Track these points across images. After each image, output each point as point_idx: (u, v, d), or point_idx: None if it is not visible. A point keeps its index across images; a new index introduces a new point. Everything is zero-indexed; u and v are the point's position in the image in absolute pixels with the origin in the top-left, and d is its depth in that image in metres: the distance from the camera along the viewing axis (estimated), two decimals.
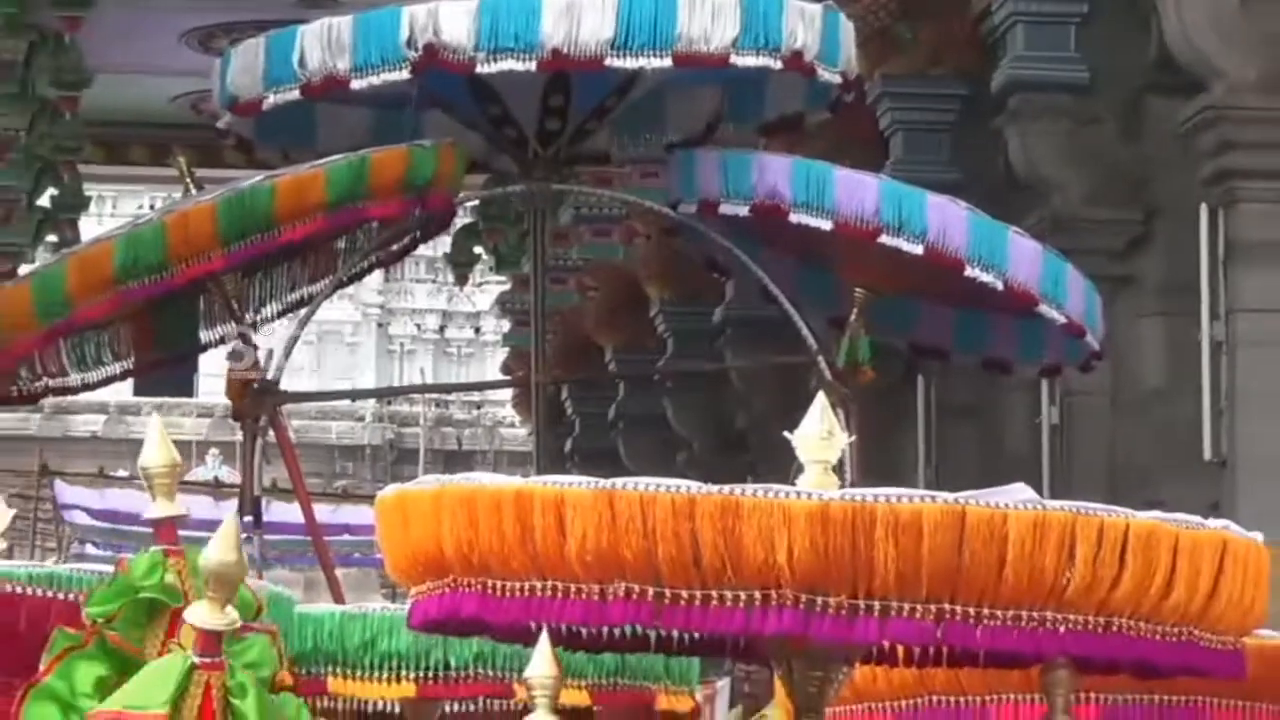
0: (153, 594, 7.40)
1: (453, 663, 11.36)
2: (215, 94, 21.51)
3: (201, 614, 6.96)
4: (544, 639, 8.01)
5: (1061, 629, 8.55)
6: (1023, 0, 26.10)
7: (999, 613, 8.40)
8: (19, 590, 9.40)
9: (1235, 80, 22.96)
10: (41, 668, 7.58)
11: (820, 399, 8.49)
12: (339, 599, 14.59)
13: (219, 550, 6.78)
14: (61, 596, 9.07)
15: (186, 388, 31.39)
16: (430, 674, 11.75)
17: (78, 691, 7.39)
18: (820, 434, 8.34)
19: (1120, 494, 8.77)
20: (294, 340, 22.47)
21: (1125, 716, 10.62)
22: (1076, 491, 9.17)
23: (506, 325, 44.12)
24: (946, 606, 8.32)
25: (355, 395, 48.03)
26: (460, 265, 34.28)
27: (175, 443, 28.98)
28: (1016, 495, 8.95)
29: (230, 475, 33.37)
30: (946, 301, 21.17)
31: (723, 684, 19.52)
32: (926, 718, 11.51)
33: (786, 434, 8.38)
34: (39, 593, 9.20)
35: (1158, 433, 22.99)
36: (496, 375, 45.91)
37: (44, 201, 35.09)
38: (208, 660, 6.84)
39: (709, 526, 8.01)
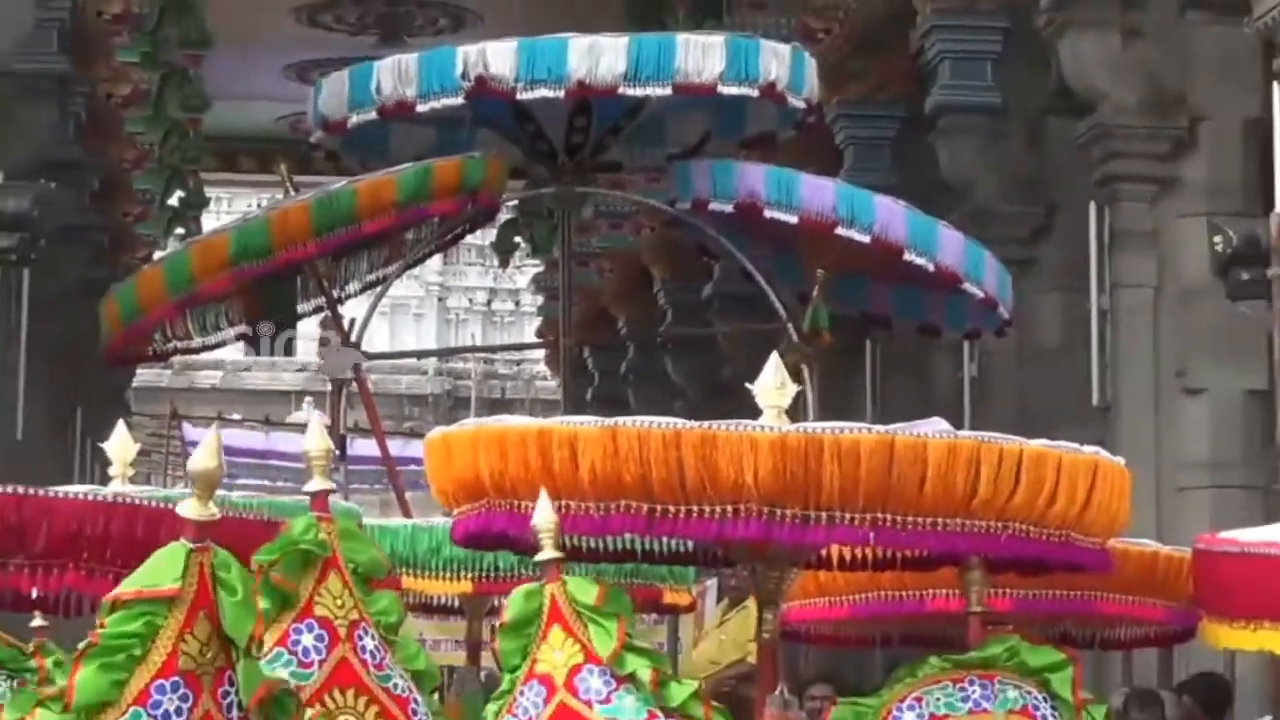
0: (308, 547, 7.47)
1: (500, 566, 11.41)
2: (309, 116, 21.64)
3: (190, 508, 7.03)
4: (543, 498, 8.15)
5: (970, 533, 8.69)
6: (948, 40, 26.17)
7: (921, 520, 8.59)
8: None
9: (1118, 104, 23.00)
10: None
11: (774, 358, 8.79)
12: (408, 516, 14.61)
13: (202, 458, 6.80)
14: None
15: (287, 348, 31.33)
16: (483, 574, 11.81)
17: (240, 618, 7.44)
18: (775, 384, 8.68)
19: (1025, 433, 8.77)
20: (372, 311, 22.59)
21: (1031, 607, 10.67)
22: (990, 431, 9.29)
23: (540, 299, 43.93)
24: (879, 516, 8.54)
25: (420, 354, 47.75)
26: (503, 251, 34.32)
27: (276, 393, 29.23)
28: (934, 427, 9.13)
29: (321, 418, 33.21)
30: (889, 280, 21.27)
31: (711, 582, 19.51)
32: (876, 608, 11.60)
33: (748, 385, 8.69)
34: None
35: (1055, 384, 23.05)
36: (532, 339, 45.68)
37: (173, 201, 35.05)
38: (199, 545, 6.93)
39: (692, 454, 8.22)
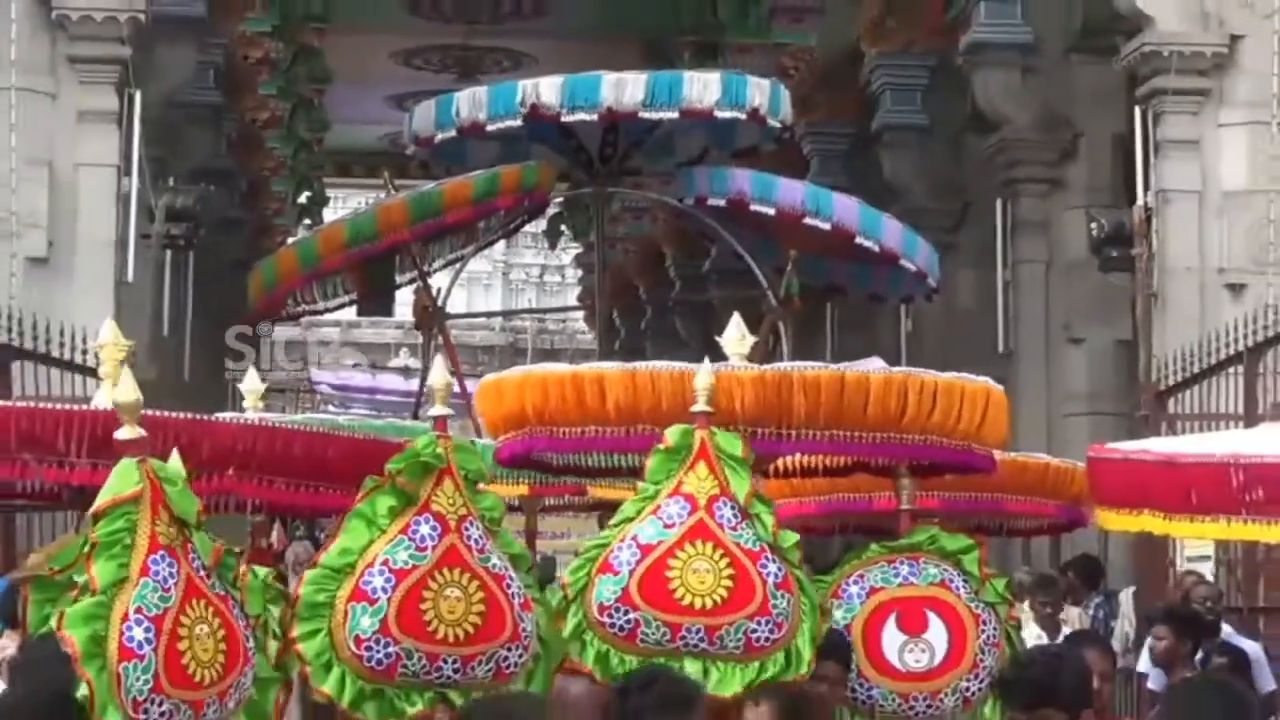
0: (428, 459, 7.45)
1: (550, 475, 11.42)
2: (405, 134, 21.75)
3: (125, 433, 6.97)
4: (705, 369, 8.36)
5: (901, 444, 8.79)
6: (888, 75, 26.26)
7: (865, 435, 8.72)
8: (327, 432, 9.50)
9: (1017, 123, 22.96)
10: (359, 497, 7.65)
11: (736, 317, 8.88)
12: (479, 436, 14.60)
13: (122, 393, 6.82)
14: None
15: (388, 309, 31.21)
16: (536, 481, 11.83)
17: (378, 513, 7.46)
18: (737, 338, 8.73)
19: (949, 372, 8.87)
20: (453, 282, 22.73)
21: (952, 506, 10.69)
22: None
23: (579, 273, 44.00)
24: (834, 433, 8.64)
25: (488, 315, 47.79)
26: (552, 236, 34.35)
27: (379, 345, 28.73)
28: (873, 365, 9.28)
29: (415, 364, 33.14)
30: (844, 258, 21.32)
31: None
32: (835, 506, 11.66)
33: (717, 337, 8.83)
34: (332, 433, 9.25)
35: (971, 336, 23.02)
36: (574, 303, 45.74)
37: (301, 200, 35.02)
38: (141, 458, 6.89)
39: (693, 389, 8.13)
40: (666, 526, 7.91)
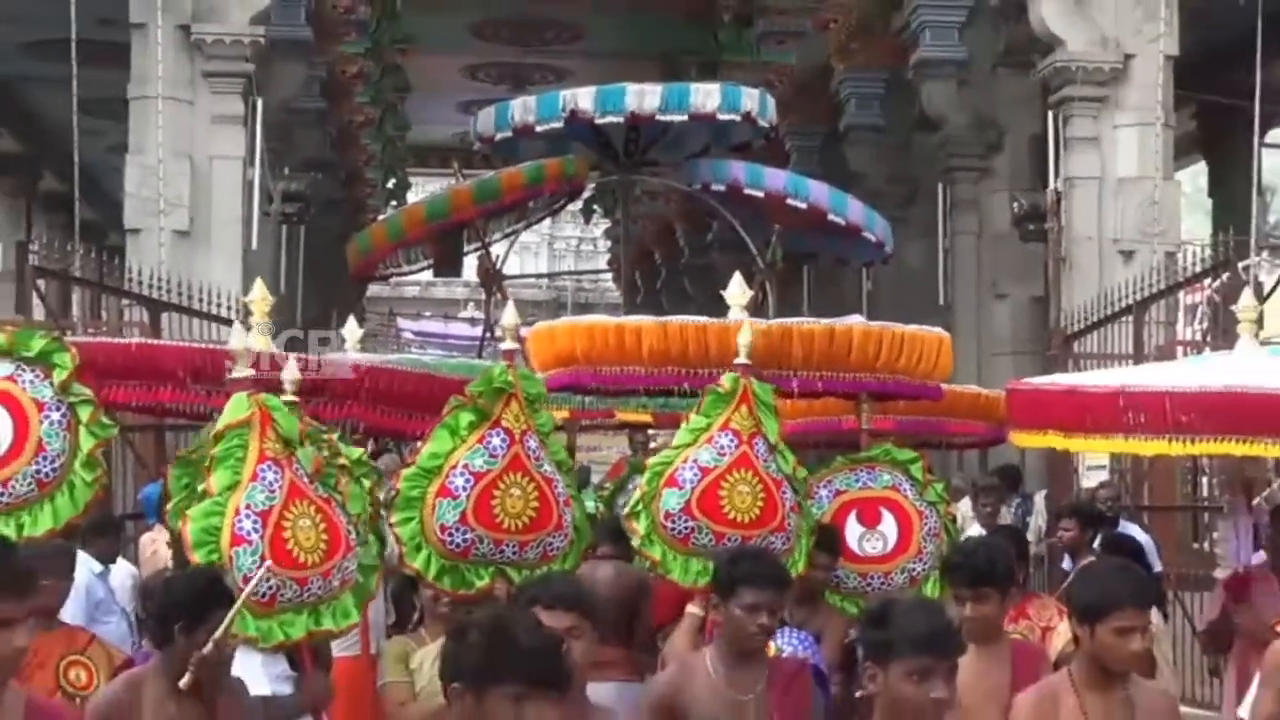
0: (500, 384, 7.52)
1: (586, 402, 11.46)
2: (471, 133, 21.86)
3: (243, 372, 7.23)
4: (746, 326, 8.44)
5: (874, 381, 8.95)
6: (853, 86, 26.26)
7: (845, 374, 8.90)
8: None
9: (955, 124, 22.87)
10: (444, 412, 7.69)
11: (737, 276, 8.93)
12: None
13: (235, 342, 7.29)
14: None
15: (457, 272, 31.00)
16: (575, 406, 11.83)
17: (460, 426, 7.50)
18: (739, 293, 8.76)
19: (900, 322, 8.97)
20: (509, 250, 22.91)
21: (905, 426, 10.73)
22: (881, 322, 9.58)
23: (609, 243, 43.84)
24: (822, 372, 8.78)
25: (537, 276, 47.88)
26: (587, 213, 34.27)
27: (451, 300, 28.38)
28: (852, 320, 9.30)
29: (479, 315, 33.23)
30: (818, 231, 21.41)
31: None
32: (811, 426, 11.72)
33: (722, 292, 8.89)
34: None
35: (918, 292, 22.92)
36: (604, 267, 45.65)
37: (389, 185, 35.01)
38: (254, 392, 7.10)
39: (714, 338, 8.44)
40: (720, 454, 7.95)
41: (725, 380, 8.13)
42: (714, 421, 8.04)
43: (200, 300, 17.11)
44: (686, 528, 7.85)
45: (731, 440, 7.98)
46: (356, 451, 8.00)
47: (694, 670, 6.63)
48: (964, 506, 15.21)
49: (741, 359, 8.07)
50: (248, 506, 6.84)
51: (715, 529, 7.81)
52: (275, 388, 7.57)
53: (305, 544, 6.97)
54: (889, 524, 8.69)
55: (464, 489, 7.30)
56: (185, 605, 6.28)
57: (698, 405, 8.23)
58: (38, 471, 6.90)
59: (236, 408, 7.02)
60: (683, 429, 8.25)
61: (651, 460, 8.24)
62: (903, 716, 4.96)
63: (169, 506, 7.19)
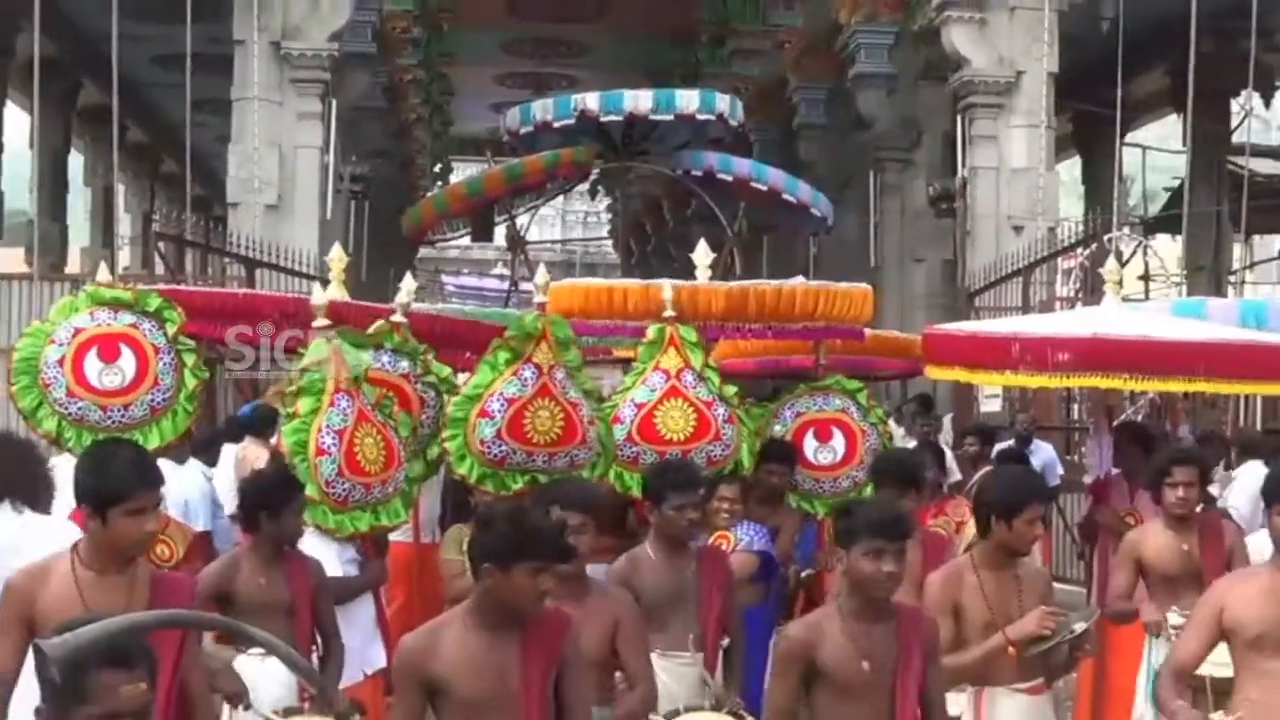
0: (529, 328, 7.38)
1: (588, 341, 11.41)
2: (501, 129, 21.84)
3: (321, 322, 7.31)
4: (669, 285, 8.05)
5: (819, 329, 8.94)
6: (804, 95, 26.14)
7: (792, 325, 8.79)
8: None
9: (885, 125, 22.86)
10: (488, 351, 7.59)
11: (702, 243, 8.82)
12: None
13: (316, 298, 7.32)
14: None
15: (489, 237, 30.80)
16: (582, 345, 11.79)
17: (498, 361, 7.37)
18: (703, 257, 8.67)
19: (843, 280, 9.07)
20: (530, 220, 22.79)
21: (846, 362, 10.49)
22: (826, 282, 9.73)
23: (610, 216, 43.82)
24: (774, 324, 8.77)
25: (553, 242, 47.68)
26: (593, 192, 34.12)
27: (485, 259, 28.19)
28: (795, 280, 9.26)
29: (506, 272, 33.28)
30: (775, 207, 21.42)
31: None
32: (766, 363, 11.74)
33: (694, 256, 8.76)
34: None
35: (853, 257, 22.85)
36: (605, 235, 45.52)
37: (436, 169, 34.96)
38: (330, 336, 7.14)
39: (688, 298, 8.27)
40: (652, 391, 7.92)
41: (651, 332, 8.09)
42: (647, 366, 8.02)
43: (286, 259, 17.22)
44: (633, 453, 7.84)
45: (661, 378, 7.94)
46: (445, 370, 8.18)
47: (639, 560, 6.72)
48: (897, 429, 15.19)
49: (668, 311, 8.03)
50: (327, 426, 6.94)
51: (657, 449, 7.78)
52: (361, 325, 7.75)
53: (370, 457, 7.09)
54: (839, 440, 8.66)
55: (499, 411, 7.27)
56: (266, 498, 6.47)
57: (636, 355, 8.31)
58: (152, 400, 6.99)
59: (317, 349, 7.11)
60: (628, 375, 8.26)
61: (604, 406, 8.10)
62: (862, 587, 4.99)
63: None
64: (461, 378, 8.27)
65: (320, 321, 7.23)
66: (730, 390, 8.17)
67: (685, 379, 7.93)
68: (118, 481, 4.80)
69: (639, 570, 6.61)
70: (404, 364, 7.90)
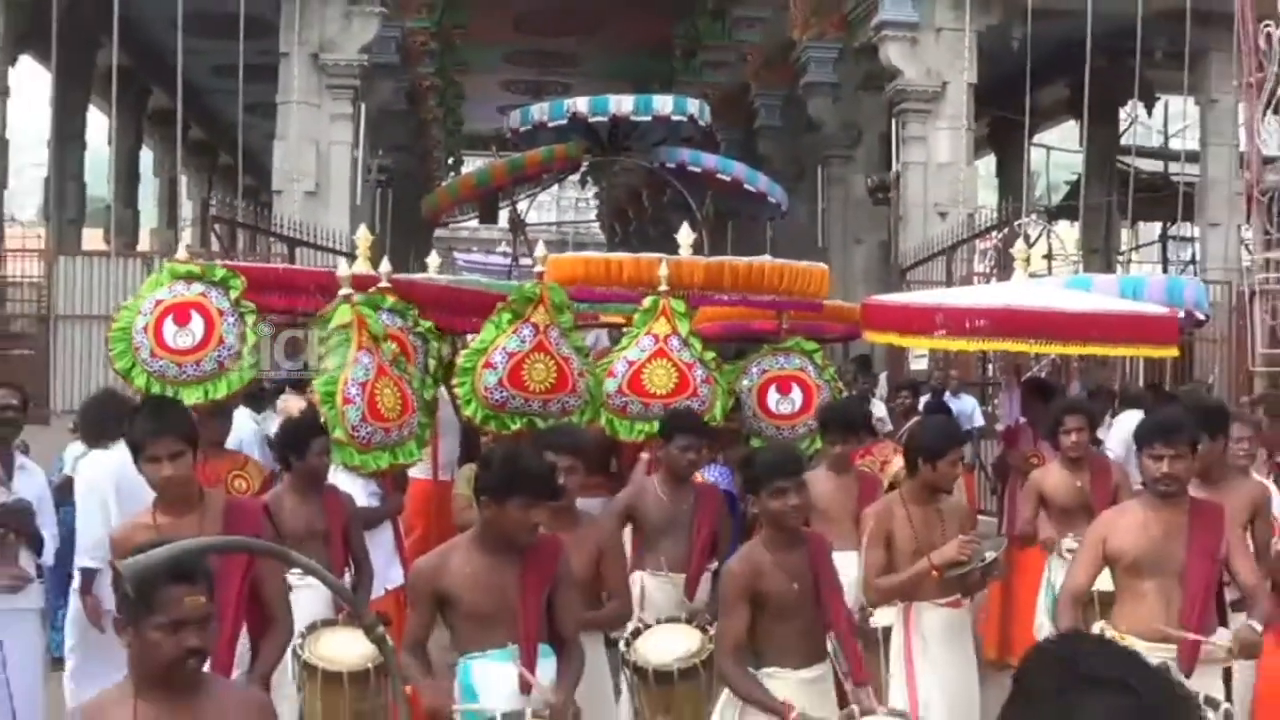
0: (529, 294, 7.42)
1: (580, 306, 11.37)
2: (505, 127, 21.75)
3: (345, 284, 7.15)
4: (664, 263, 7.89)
5: (783, 301, 8.86)
6: (762, 101, 26.01)
7: (762, 297, 8.76)
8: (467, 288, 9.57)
9: (830, 129, 22.84)
10: (493, 313, 7.58)
11: (685, 226, 8.69)
12: None
13: (342, 270, 7.11)
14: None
15: (494, 220, 30.54)
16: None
17: (501, 321, 7.39)
18: (686, 237, 8.53)
19: (795, 259, 9.04)
20: (530, 205, 22.65)
21: (805, 327, 10.41)
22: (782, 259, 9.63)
23: (598, 202, 43.66)
24: (748, 295, 8.74)
25: (548, 225, 47.55)
26: (583, 182, 33.72)
27: (488, 239, 27.99)
28: (764, 258, 9.23)
29: (508, 249, 33.17)
30: (737, 195, 21.34)
31: None
32: (732, 327, 11.67)
33: (676, 236, 8.66)
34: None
35: (804, 238, 22.68)
36: (594, 218, 45.37)
37: (449, 161, 34.79)
38: (352, 298, 7.06)
39: (673, 269, 8.20)
40: (642, 351, 7.93)
41: (646, 301, 8.08)
42: (640, 330, 8.02)
43: (322, 239, 17.21)
44: (623, 403, 7.86)
45: (651, 341, 7.94)
46: (427, 324, 8.09)
47: (645, 489, 6.71)
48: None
49: (662, 286, 8.03)
50: (352, 379, 6.97)
51: (644, 401, 7.81)
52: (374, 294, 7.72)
53: (388, 405, 7.11)
54: (797, 393, 8.58)
55: (501, 363, 7.31)
56: (292, 439, 6.46)
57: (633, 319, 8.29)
58: (219, 356, 7.04)
59: (342, 314, 7.11)
60: (624, 337, 8.26)
61: (601, 363, 8.15)
62: (776, 522, 4.97)
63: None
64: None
65: (345, 289, 7.21)
66: (710, 354, 8.15)
67: (671, 343, 7.93)
68: (136, 433, 4.83)
69: (644, 498, 6.62)
70: (399, 320, 7.86)
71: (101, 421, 7.11)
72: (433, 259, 11.34)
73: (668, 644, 5.78)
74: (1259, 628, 5.11)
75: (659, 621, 6.05)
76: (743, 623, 4.89)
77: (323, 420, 6.91)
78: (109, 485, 6.62)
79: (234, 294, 7.23)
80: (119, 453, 6.06)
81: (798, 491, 4.93)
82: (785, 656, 4.87)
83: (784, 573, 4.90)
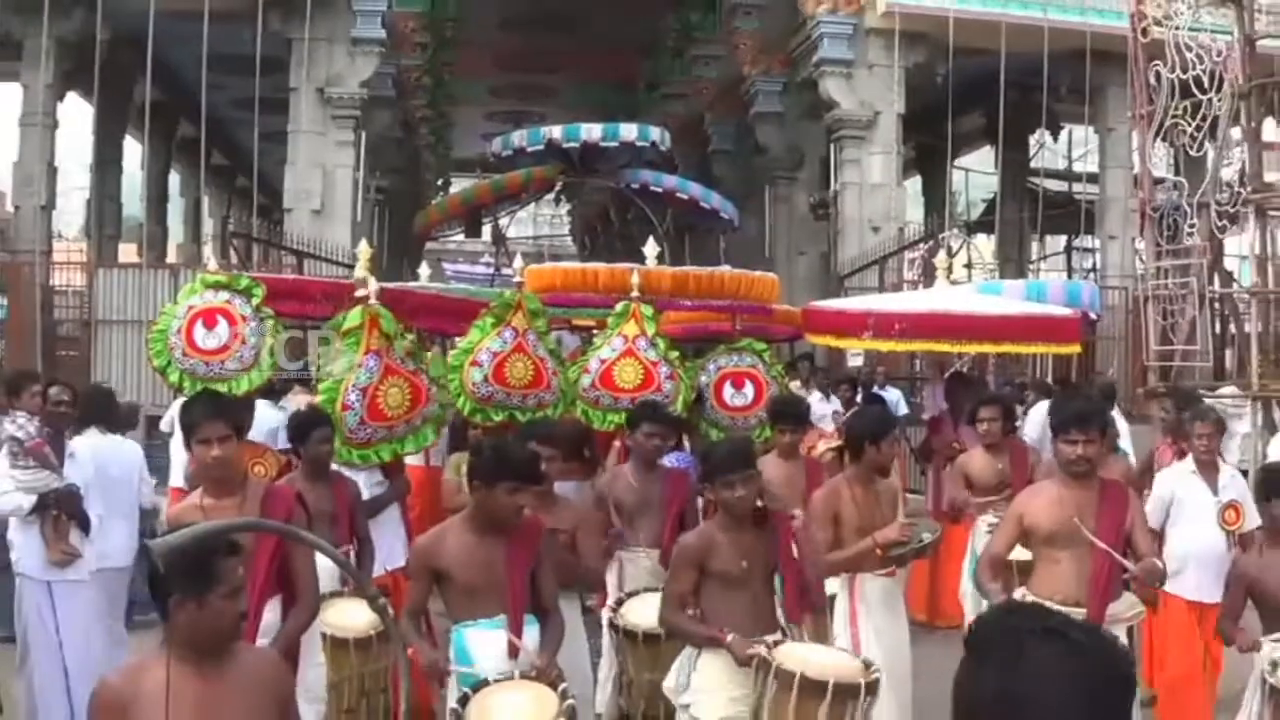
0: (509, 301, 7.33)
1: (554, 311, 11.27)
2: (488, 152, 21.51)
3: (359, 293, 6.90)
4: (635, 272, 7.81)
5: (742, 306, 8.80)
6: (716, 129, 25.91)
7: (722, 300, 8.68)
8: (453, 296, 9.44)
9: (775, 152, 22.82)
10: (478, 318, 7.47)
11: (651, 240, 8.61)
12: None
13: (358, 274, 6.97)
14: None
15: (478, 233, 30.60)
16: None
17: (485, 325, 7.29)
18: (653, 250, 8.46)
19: (746, 269, 9.04)
20: (510, 222, 22.42)
21: (756, 328, 10.37)
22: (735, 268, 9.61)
23: (571, 218, 43.48)
24: (709, 300, 8.74)
25: (528, 238, 47.54)
26: (557, 200, 33.69)
27: (475, 250, 27.62)
28: (724, 268, 9.17)
29: (491, 260, 33.01)
30: (694, 212, 21.26)
31: None
32: (689, 328, 11.45)
33: (643, 249, 8.59)
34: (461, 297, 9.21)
35: (753, 250, 22.56)
36: (568, 232, 45.14)
37: (439, 183, 34.45)
38: (369, 303, 6.78)
39: (642, 277, 8.11)
40: (613, 350, 7.86)
41: (619, 306, 8.01)
42: (613, 332, 7.96)
43: (327, 252, 17.16)
44: (596, 396, 7.80)
45: (621, 341, 7.88)
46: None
47: (619, 476, 6.69)
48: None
49: (634, 293, 7.97)
50: (354, 385, 6.81)
51: (614, 394, 7.74)
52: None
53: (393, 404, 6.91)
54: (749, 388, 8.56)
55: (486, 361, 7.24)
56: (296, 431, 6.46)
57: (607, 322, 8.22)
58: (241, 357, 6.96)
59: (354, 317, 6.93)
60: (597, 338, 8.22)
61: (579, 362, 8.09)
62: (726, 509, 4.93)
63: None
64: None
65: (361, 292, 7.04)
66: (674, 354, 8.08)
67: (639, 344, 7.87)
68: (193, 416, 4.90)
69: (618, 483, 6.60)
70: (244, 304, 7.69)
71: (89, 410, 7.42)
72: (424, 269, 11.36)
73: (653, 610, 5.80)
74: (1160, 564, 5.18)
75: (641, 591, 6.04)
76: (687, 586, 4.88)
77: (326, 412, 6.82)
78: (89, 458, 7.14)
79: (255, 301, 7.16)
80: (97, 437, 7.16)
81: (744, 484, 4.86)
82: (734, 627, 4.82)
83: (733, 551, 4.86)
